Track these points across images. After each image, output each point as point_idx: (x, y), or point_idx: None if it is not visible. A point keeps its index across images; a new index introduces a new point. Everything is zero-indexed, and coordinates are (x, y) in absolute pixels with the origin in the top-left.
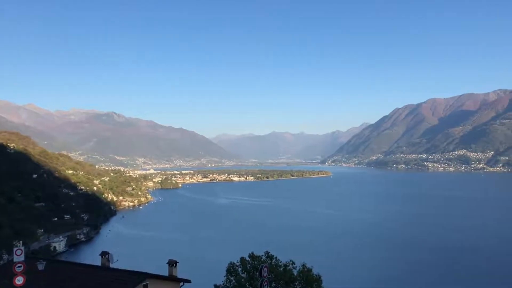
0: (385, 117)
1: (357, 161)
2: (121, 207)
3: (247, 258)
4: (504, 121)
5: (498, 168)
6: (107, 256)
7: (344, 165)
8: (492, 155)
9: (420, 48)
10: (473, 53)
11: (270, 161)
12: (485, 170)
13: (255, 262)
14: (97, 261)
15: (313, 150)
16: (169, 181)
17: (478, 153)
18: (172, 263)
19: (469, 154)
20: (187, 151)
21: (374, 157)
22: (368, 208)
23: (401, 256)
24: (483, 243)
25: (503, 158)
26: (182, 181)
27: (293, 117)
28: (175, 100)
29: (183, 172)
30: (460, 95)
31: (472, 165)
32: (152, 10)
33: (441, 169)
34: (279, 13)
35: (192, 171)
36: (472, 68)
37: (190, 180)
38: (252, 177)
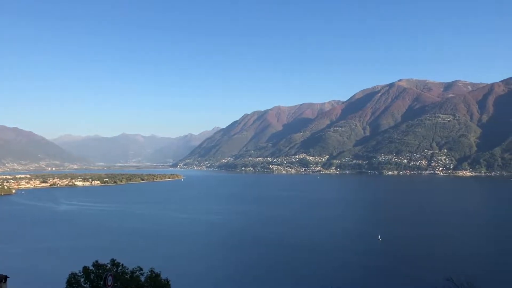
0: (235, 122)
1: (208, 164)
2: None
3: (91, 267)
4: (337, 128)
5: (331, 170)
6: None
7: (196, 168)
8: (327, 159)
9: (266, 59)
10: (312, 67)
11: (119, 164)
12: (321, 172)
13: (100, 271)
14: None
15: (165, 153)
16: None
17: (316, 157)
18: (1, 279)
19: (308, 158)
20: (22, 153)
21: (225, 160)
22: (219, 209)
23: (246, 254)
24: (318, 239)
25: (335, 161)
26: (16, 186)
27: (145, 119)
28: (7, 95)
29: (18, 176)
30: (301, 104)
31: (311, 168)
32: None
33: (284, 171)
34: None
35: (28, 175)
36: (312, 80)
37: (26, 186)
38: (98, 182)
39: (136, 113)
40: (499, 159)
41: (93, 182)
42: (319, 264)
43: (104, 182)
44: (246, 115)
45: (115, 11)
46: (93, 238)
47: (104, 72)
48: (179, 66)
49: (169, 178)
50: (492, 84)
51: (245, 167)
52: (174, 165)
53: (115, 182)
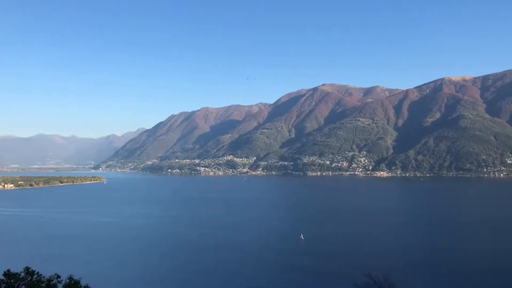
0: (161, 123)
1: (132, 166)
2: None
3: (1, 277)
4: (264, 130)
5: (259, 172)
6: None
7: (119, 170)
8: (254, 160)
9: (193, 60)
10: (240, 70)
11: (35, 166)
12: (248, 173)
13: (12, 281)
14: None
15: (86, 154)
16: None
17: (243, 159)
18: None
19: (235, 160)
20: None
21: (150, 162)
22: (143, 213)
23: (171, 257)
24: (242, 239)
25: (262, 163)
26: None
27: (64, 119)
28: None
29: None
30: (229, 106)
31: (238, 169)
32: None
33: (211, 173)
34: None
35: None
36: (240, 82)
37: None
38: (12, 185)
39: (54, 112)
40: (413, 160)
41: (5, 185)
42: (243, 264)
43: (19, 185)
44: (172, 116)
45: (26, 10)
46: (5, 246)
47: (19, 68)
48: (102, 63)
49: (91, 180)
50: (407, 91)
51: (171, 169)
52: (96, 167)
53: (31, 185)
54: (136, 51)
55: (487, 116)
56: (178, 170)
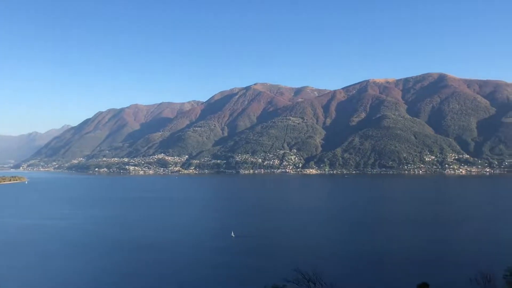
0: (88, 119)
1: (57, 165)
2: None
3: None
4: (196, 128)
5: (191, 170)
6: None
7: (42, 169)
8: (186, 159)
9: (122, 56)
10: (171, 66)
11: None
12: (180, 172)
13: None
14: None
15: (6, 153)
16: None
17: (175, 157)
18: None
19: (167, 158)
20: None
21: (76, 161)
22: (67, 214)
23: (96, 259)
24: (172, 238)
25: (195, 161)
26: None
27: None
28: None
29: None
30: (160, 103)
31: (170, 168)
32: None
33: (141, 172)
34: None
35: None
36: (171, 79)
37: None
38: None
39: None
40: (340, 158)
41: None
42: (173, 264)
43: None
44: (100, 113)
45: None
46: None
47: None
48: (22, 56)
49: (10, 180)
50: (335, 91)
51: (98, 168)
52: (16, 167)
53: None
54: (61, 43)
55: (407, 116)
56: (106, 169)
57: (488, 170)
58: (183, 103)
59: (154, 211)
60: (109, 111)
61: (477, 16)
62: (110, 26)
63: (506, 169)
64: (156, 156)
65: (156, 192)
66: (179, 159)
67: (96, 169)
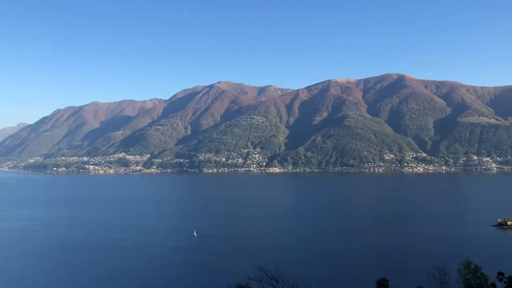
0: (45, 117)
1: (12, 165)
2: None
3: None
4: (158, 127)
5: (153, 170)
6: None
7: None
8: (148, 158)
9: (82, 52)
10: (133, 63)
11: None
12: (142, 171)
13: None
14: None
15: None
16: None
17: (136, 156)
18: None
19: (128, 157)
20: None
21: (33, 160)
22: (20, 215)
23: (52, 260)
24: (134, 238)
25: (157, 160)
26: None
27: None
28: None
29: None
30: (121, 101)
31: (131, 167)
32: None
33: (102, 172)
34: None
35: None
36: (132, 77)
37: None
38: None
39: None
40: (303, 157)
41: None
42: (135, 264)
43: None
44: (58, 111)
45: None
46: None
47: None
48: None
49: None
50: (298, 91)
51: (57, 168)
52: None
53: None
54: (16, 38)
55: (368, 116)
56: (64, 169)
57: (444, 168)
58: (145, 101)
59: (113, 211)
60: (67, 108)
61: (435, 18)
62: (69, 21)
63: (461, 167)
64: (117, 155)
65: (116, 192)
66: (140, 158)
67: (54, 168)
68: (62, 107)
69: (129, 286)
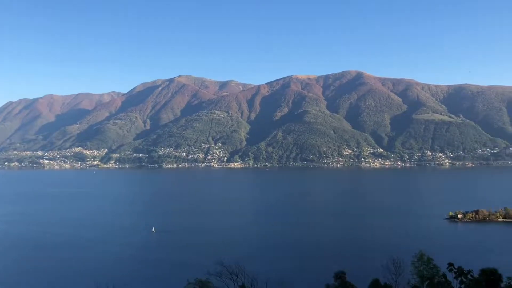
0: None
1: None
2: None
3: None
4: (116, 121)
5: (110, 164)
6: None
7: None
8: (105, 153)
9: (35, 41)
10: (90, 56)
11: None
12: (99, 166)
13: None
14: None
15: None
16: None
17: (93, 151)
18: None
19: (85, 152)
20: None
21: None
22: None
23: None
24: (91, 235)
25: (115, 155)
26: None
27: None
28: None
29: None
30: (78, 94)
31: (88, 162)
32: None
33: (57, 166)
34: None
35: None
36: (89, 69)
37: None
38: None
39: None
40: (264, 152)
41: None
42: (93, 261)
43: None
44: (10, 103)
45: None
46: None
47: None
48: None
49: None
50: (259, 86)
51: (8, 162)
52: None
53: None
54: None
55: (327, 112)
56: (17, 163)
57: (400, 163)
58: (103, 94)
59: (68, 206)
60: (20, 101)
61: (393, 16)
62: (22, 8)
63: (415, 163)
64: (73, 150)
65: (72, 187)
66: (98, 152)
67: (6, 163)
68: (14, 99)
69: (86, 285)
